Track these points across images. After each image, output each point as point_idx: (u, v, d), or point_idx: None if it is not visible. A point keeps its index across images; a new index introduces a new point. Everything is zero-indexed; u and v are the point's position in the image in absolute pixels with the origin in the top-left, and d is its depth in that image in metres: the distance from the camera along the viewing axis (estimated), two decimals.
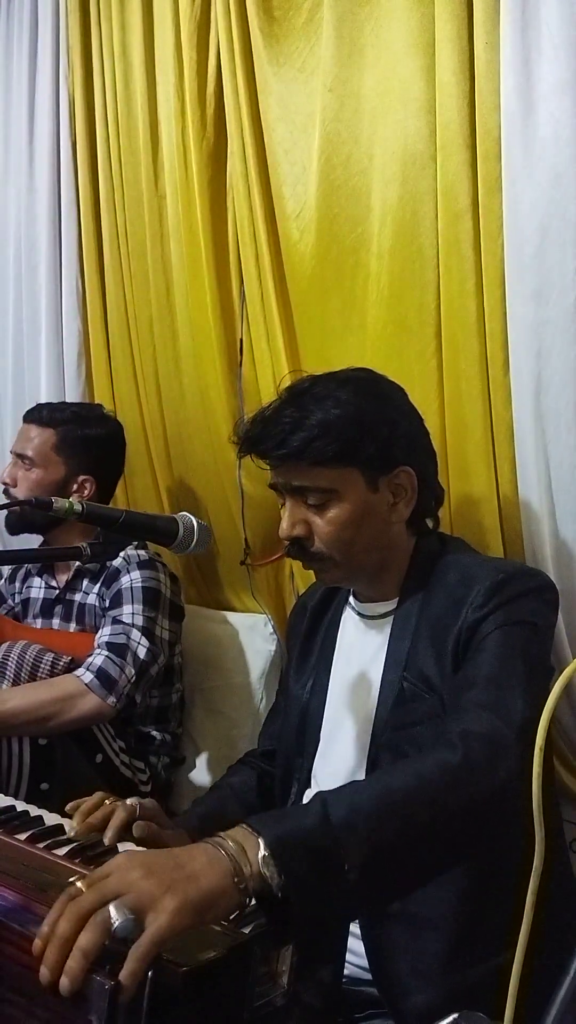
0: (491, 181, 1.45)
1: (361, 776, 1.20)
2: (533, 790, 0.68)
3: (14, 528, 1.96)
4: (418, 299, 1.59)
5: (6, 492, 1.92)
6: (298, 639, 1.41)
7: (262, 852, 0.80)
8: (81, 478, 1.90)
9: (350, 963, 1.15)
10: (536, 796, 0.69)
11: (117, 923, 0.73)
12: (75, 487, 1.90)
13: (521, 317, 1.42)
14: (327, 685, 1.32)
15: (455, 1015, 0.63)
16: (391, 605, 1.27)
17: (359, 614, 1.32)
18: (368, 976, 1.15)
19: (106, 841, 1.08)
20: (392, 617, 1.25)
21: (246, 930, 0.82)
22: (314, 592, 1.44)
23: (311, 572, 1.29)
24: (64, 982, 0.72)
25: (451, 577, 1.22)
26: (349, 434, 1.18)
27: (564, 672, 0.69)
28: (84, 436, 1.91)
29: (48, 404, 2.00)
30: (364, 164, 1.67)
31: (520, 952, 0.68)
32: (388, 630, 1.25)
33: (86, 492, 1.90)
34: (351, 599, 1.35)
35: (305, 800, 1.28)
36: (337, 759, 1.28)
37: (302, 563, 1.27)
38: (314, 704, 1.32)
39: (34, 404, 2.04)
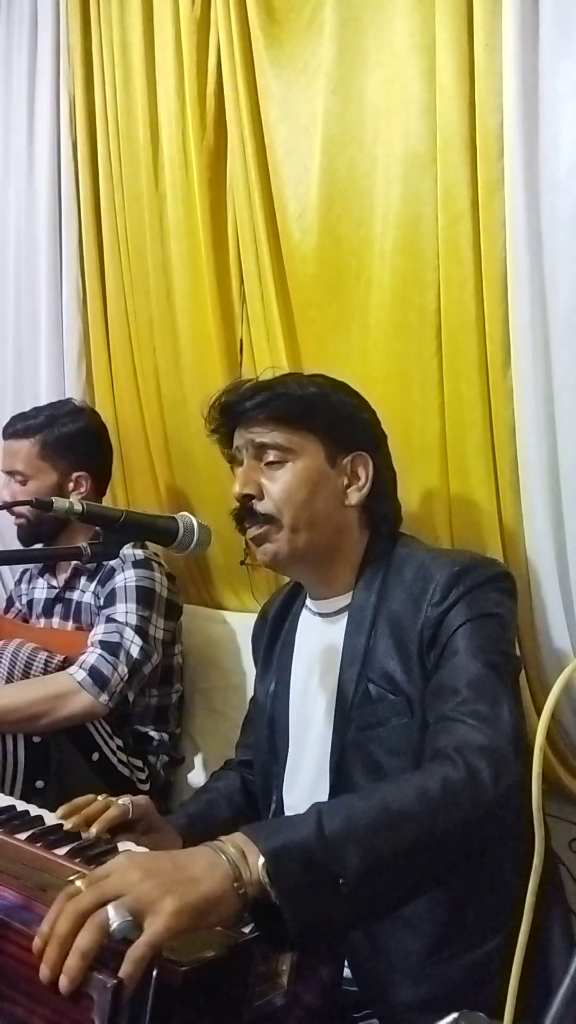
0: (491, 182, 1.45)
1: (327, 777, 1.21)
2: (533, 790, 0.68)
3: (26, 541, 1.96)
4: (419, 300, 1.59)
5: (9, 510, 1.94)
6: (261, 647, 1.42)
7: (261, 859, 0.80)
8: (75, 475, 1.92)
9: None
10: (536, 796, 0.69)
11: (115, 924, 0.73)
12: (71, 485, 1.92)
13: (522, 317, 1.42)
14: (288, 688, 1.33)
15: (455, 1015, 0.63)
16: (345, 600, 1.27)
17: (314, 613, 1.33)
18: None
19: (93, 832, 1.08)
20: (347, 613, 1.25)
21: (246, 930, 0.82)
22: (274, 600, 1.45)
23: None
24: (63, 981, 0.72)
25: (407, 573, 1.21)
26: (314, 403, 1.27)
27: (564, 672, 0.69)
28: (63, 435, 1.92)
29: (19, 415, 1.98)
30: (367, 166, 1.67)
31: (520, 951, 0.68)
32: (343, 625, 1.25)
33: (83, 488, 1.92)
34: (308, 601, 1.35)
35: (287, 807, 1.28)
36: (306, 759, 1.28)
37: (247, 530, 1.27)
38: (279, 708, 1.33)
39: (32, 406, 2.03)
